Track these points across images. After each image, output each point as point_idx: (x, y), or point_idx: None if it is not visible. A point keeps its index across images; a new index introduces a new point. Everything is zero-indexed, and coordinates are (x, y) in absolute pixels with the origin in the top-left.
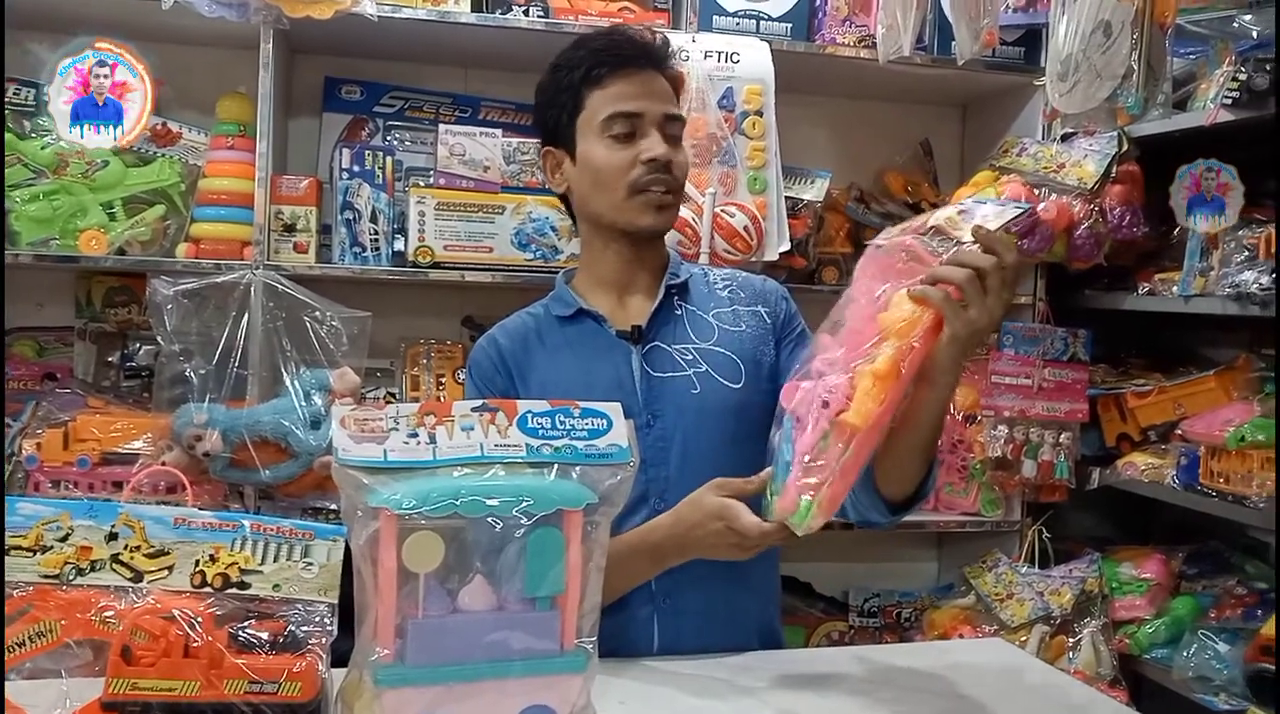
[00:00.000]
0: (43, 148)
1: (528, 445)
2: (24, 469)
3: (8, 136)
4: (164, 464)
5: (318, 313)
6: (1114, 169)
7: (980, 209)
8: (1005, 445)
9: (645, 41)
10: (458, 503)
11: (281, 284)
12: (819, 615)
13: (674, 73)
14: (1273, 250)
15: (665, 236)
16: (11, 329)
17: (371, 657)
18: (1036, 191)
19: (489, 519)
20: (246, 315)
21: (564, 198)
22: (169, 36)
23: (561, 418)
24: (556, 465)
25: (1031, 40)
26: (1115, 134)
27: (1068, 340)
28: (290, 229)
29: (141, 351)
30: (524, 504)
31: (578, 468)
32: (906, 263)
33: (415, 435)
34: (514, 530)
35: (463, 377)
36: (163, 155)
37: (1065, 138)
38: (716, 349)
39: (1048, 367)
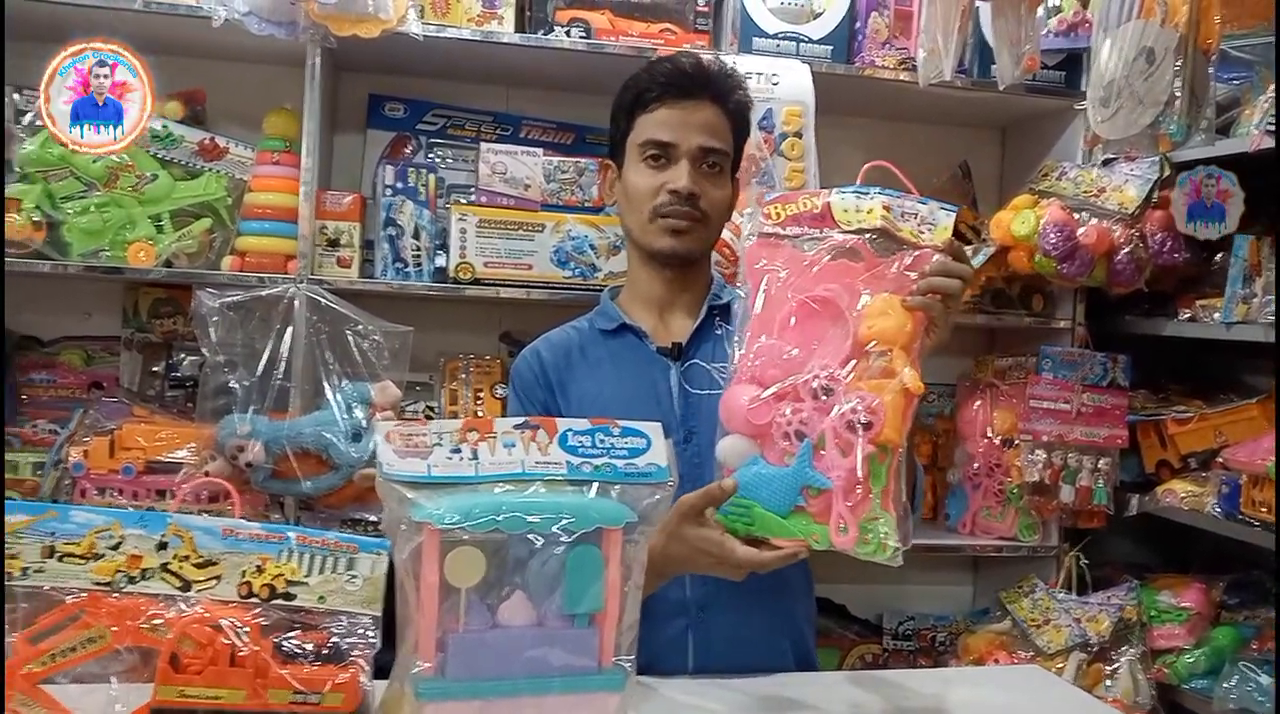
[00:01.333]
0: (94, 161)
1: (568, 463)
2: (71, 476)
3: (60, 150)
4: (207, 474)
5: (360, 327)
6: (1155, 194)
7: (906, 205)
8: (1043, 470)
9: (701, 71)
10: (499, 519)
11: (324, 298)
12: (853, 638)
13: (736, 103)
14: None
15: (709, 260)
16: (59, 338)
17: (413, 670)
18: (1076, 216)
19: (529, 535)
20: (290, 328)
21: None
22: (217, 53)
23: (601, 436)
24: (596, 484)
25: (1072, 64)
26: (1157, 159)
27: (1107, 365)
28: (334, 244)
29: (186, 362)
30: (564, 521)
31: (617, 486)
32: (854, 262)
33: (458, 451)
34: (554, 547)
35: (501, 392)
36: (210, 170)
37: (1106, 162)
38: None
39: (1087, 391)
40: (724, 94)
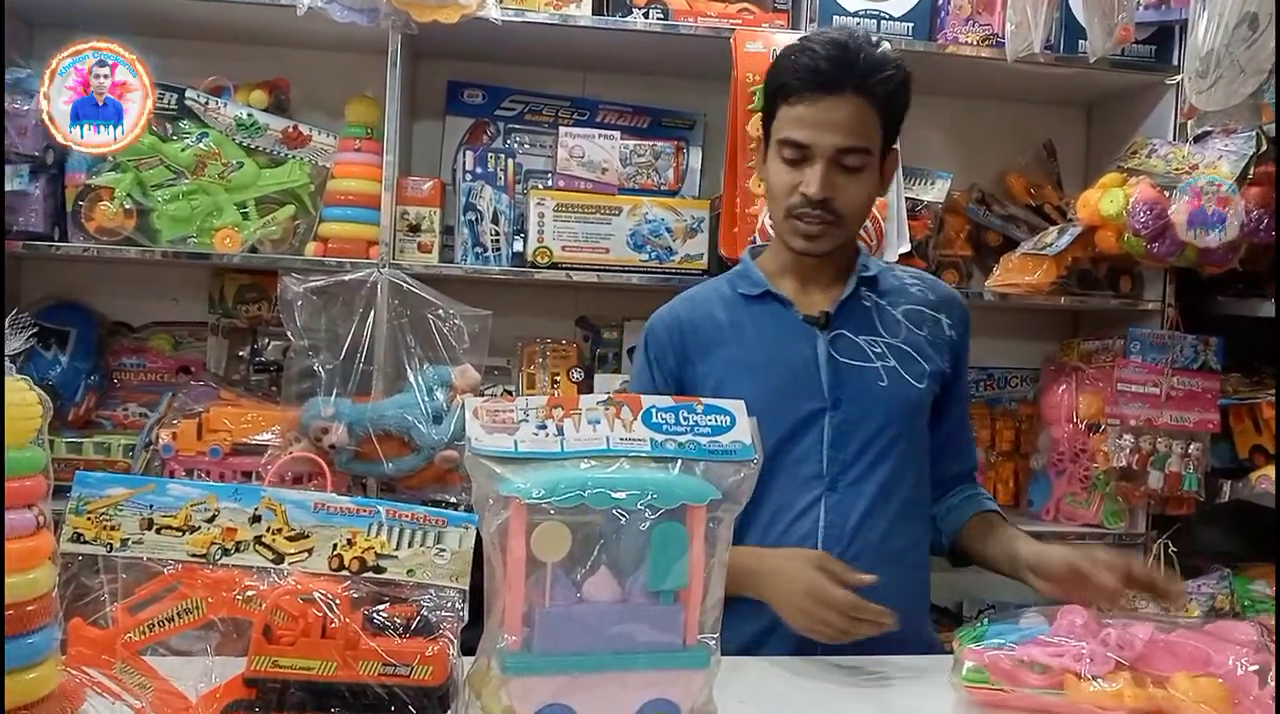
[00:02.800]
0: (183, 150)
1: (652, 440)
2: (160, 457)
3: (150, 139)
4: (292, 455)
5: (440, 311)
6: (1251, 170)
7: None
8: (1130, 455)
9: (843, 64)
10: (584, 494)
11: (406, 282)
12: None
13: (884, 89)
14: None
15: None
16: (149, 323)
17: (499, 644)
18: (1167, 194)
19: (614, 511)
20: (372, 313)
21: None
22: (301, 42)
23: (685, 414)
24: (680, 461)
25: (1163, 38)
26: (1253, 133)
27: (1198, 348)
28: (415, 229)
29: (270, 347)
30: (649, 497)
31: (701, 464)
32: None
33: (544, 427)
34: (638, 523)
35: (577, 376)
36: (293, 157)
37: (1199, 138)
38: (904, 347)
39: (1176, 375)
40: (869, 84)
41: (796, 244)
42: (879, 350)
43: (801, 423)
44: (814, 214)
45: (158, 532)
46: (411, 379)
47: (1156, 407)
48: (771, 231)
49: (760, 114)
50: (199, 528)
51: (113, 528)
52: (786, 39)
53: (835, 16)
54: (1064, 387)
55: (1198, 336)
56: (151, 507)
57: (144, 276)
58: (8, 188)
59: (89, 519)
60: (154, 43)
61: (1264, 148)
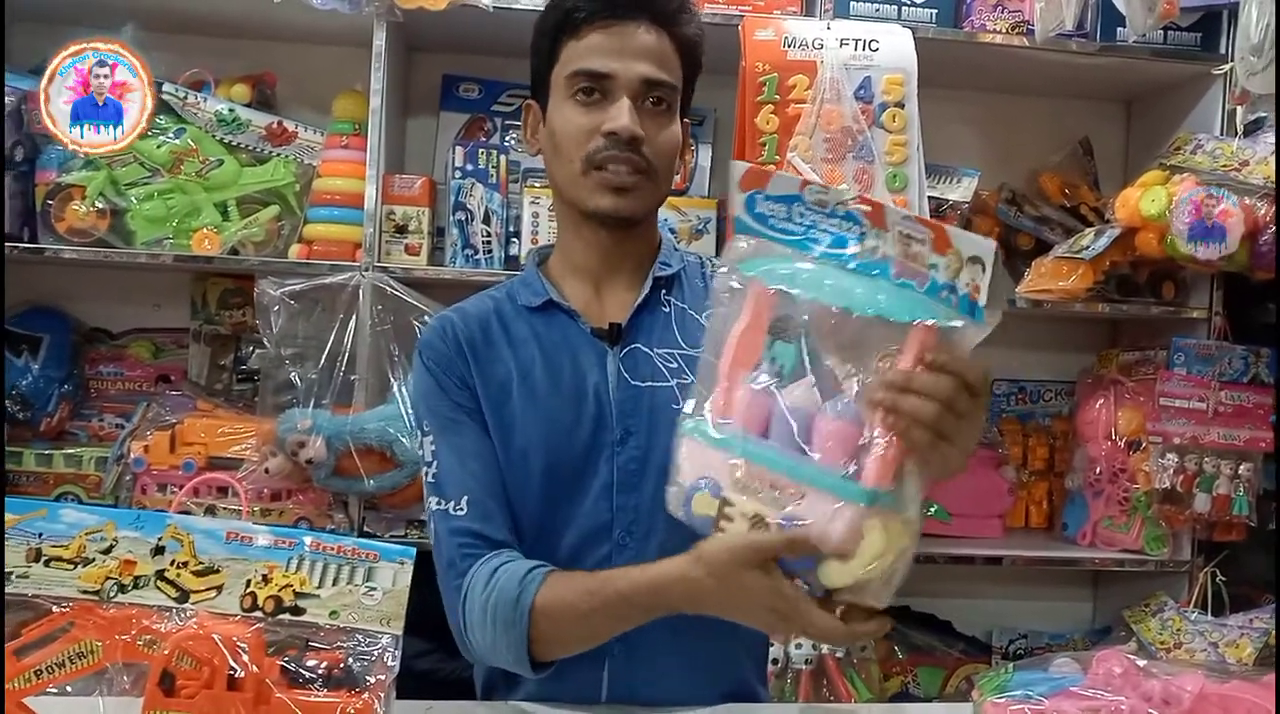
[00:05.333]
0: (159, 147)
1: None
2: (132, 471)
3: None
4: (267, 471)
5: (426, 316)
6: None
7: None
8: (1174, 476)
9: None
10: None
11: (389, 286)
12: (958, 656)
13: (683, 30)
14: None
15: (656, 218)
16: (130, 330)
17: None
18: (1214, 193)
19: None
20: (354, 318)
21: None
22: (288, 35)
23: None
24: None
25: (1210, 24)
26: None
27: (1248, 360)
28: (402, 230)
29: (254, 355)
30: (881, 303)
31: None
32: None
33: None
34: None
35: None
36: (278, 155)
37: (1249, 130)
38: None
39: (1225, 389)
40: (667, 16)
41: (602, 203)
42: (674, 365)
43: (587, 463)
44: (623, 156)
45: (46, 564)
46: (396, 390)
47: (1203, 423)
48: (567, 198)
49: (565, 80)
50: (93, 560)
51: None
52: (799, 26)
53: (853, 2)
54: (1101, 401)
55: (1248, 347)
56: (40, 535)
57: (125, 281)
58: None
59: None
60: (131, 35)
61: None
